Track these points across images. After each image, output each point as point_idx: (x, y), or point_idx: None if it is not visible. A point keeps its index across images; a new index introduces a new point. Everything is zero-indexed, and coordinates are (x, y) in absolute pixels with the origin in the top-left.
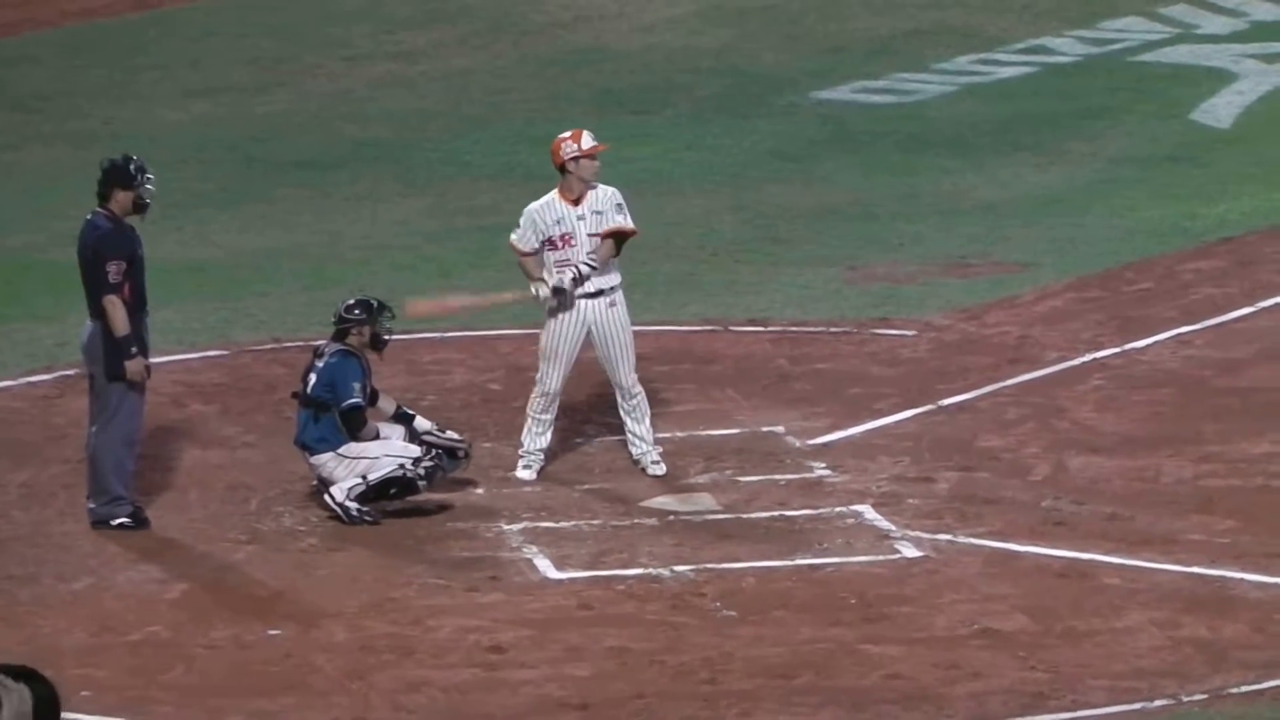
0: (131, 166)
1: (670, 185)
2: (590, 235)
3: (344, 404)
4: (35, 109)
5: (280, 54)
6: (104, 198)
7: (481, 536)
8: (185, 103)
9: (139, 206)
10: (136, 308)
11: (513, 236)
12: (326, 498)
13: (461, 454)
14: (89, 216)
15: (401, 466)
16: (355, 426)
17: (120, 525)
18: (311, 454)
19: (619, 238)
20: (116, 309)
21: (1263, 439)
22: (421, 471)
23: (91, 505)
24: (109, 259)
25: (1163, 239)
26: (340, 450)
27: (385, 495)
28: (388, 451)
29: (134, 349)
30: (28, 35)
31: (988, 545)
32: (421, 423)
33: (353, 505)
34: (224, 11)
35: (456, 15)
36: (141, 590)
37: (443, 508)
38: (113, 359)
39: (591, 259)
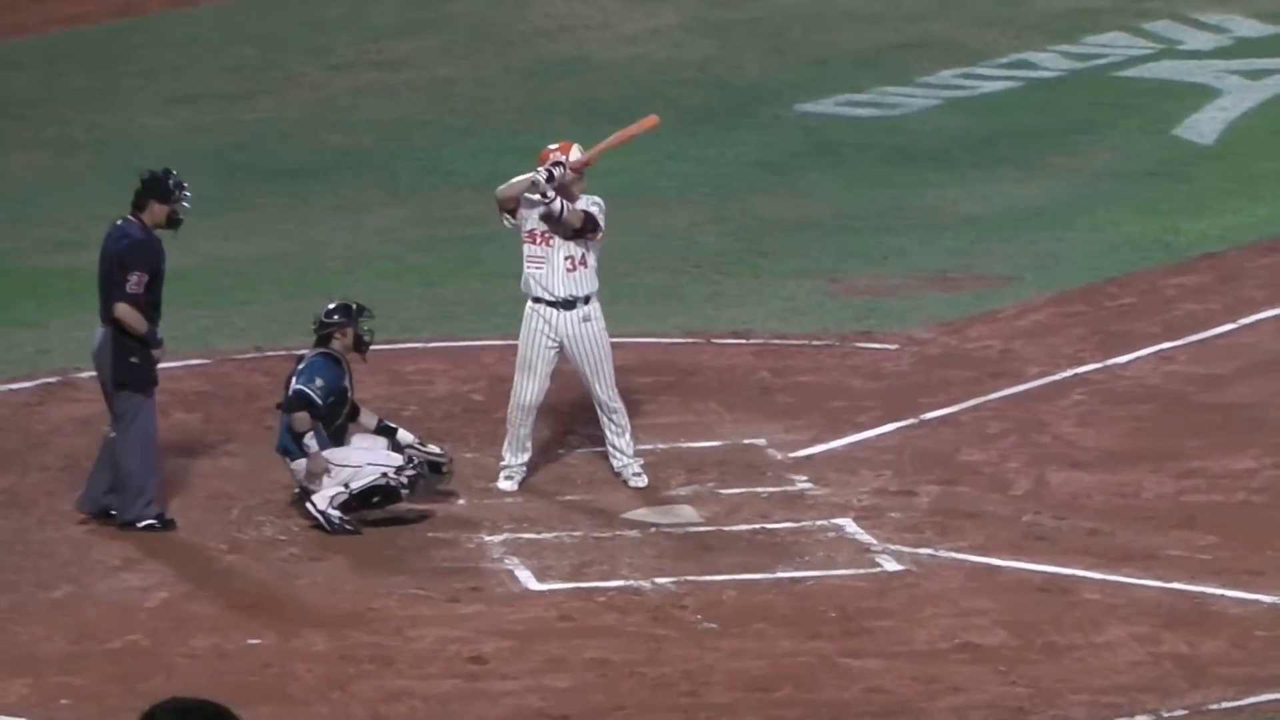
0: (170, 181)
1: (653, 196)
2: (566, 243)
3: (292, 387)
4: (18, 115)
5: (263, 62)
6: (139, 207)
7: (463, 547)
8: (168, 110)
9: (172, 222)
10: (150, 317)
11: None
12: (308, 505)
13: (444, 468)
14: (119, 222)
15: (384, 475)
16: (292, 410)
17: (147, 527)
18: (293, 459)
19: (585, 222)
20: (131, 315)
21: (1244, 455)
22: (404, 480)
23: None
24: (132, 269)
25: (1145, 254)
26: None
27: (368, 503)
28: (370, 460)
29: (158, 337)
30: (11, 41)
31: (969, 559)
32: (404, 435)
33: (334, 514)
34: (207, 19)
35: (440, 25)
36: (122, 598)
37: (424, 518)
38: (121, 366)
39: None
